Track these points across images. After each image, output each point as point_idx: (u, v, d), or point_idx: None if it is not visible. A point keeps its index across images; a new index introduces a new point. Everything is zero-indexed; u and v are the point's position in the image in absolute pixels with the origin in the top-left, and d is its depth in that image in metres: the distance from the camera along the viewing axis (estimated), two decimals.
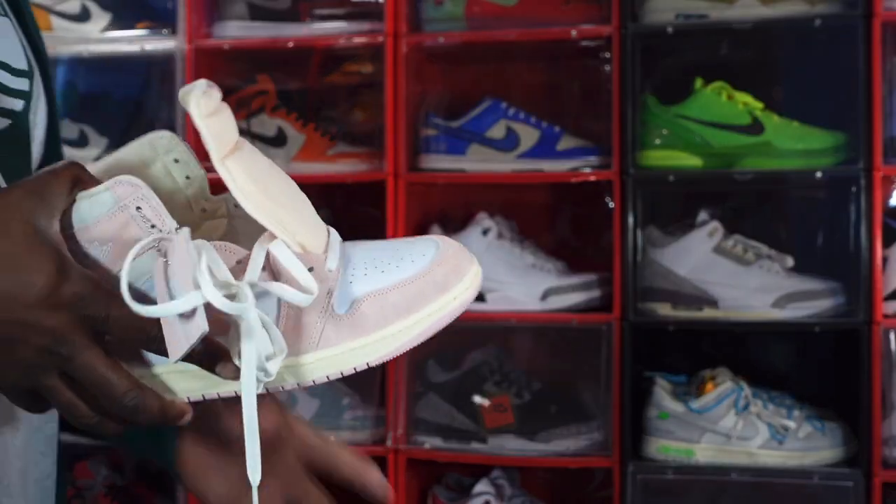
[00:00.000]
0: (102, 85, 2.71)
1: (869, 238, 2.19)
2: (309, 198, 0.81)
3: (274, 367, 0.75)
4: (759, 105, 2.32)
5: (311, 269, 0.77)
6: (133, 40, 2.54)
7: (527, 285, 2.38)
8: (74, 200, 0.76)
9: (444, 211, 2.62)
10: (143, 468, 2.73)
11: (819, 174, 2.26)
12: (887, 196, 2.29)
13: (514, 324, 2.40)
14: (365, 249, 0.81)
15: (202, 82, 0.75)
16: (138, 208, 0.75)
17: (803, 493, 2.20)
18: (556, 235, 2.61)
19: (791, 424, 2.24)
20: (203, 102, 0.74)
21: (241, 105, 2.52)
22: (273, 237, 0.76)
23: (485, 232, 2.42)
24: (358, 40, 2.45)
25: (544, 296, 2.37)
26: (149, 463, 2.73)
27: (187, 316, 0.71)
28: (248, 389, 0.74)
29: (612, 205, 2.32)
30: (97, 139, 2.60)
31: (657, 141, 2.32)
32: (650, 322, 2.31)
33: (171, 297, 0.72)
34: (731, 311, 2.28)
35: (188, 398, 0.78)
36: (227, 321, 0.74)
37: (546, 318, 2.37)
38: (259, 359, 0.74)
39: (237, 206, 0.79)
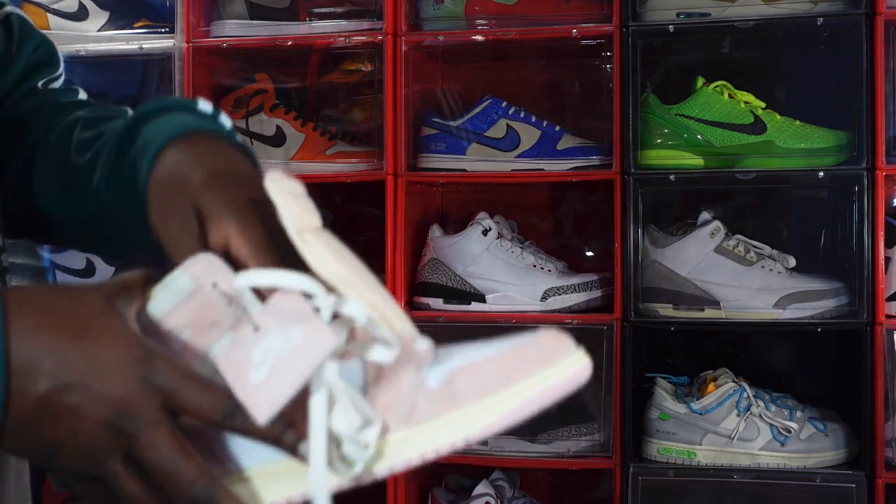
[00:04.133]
0: (100, 84, 2.69)
1: (871, 238, 2.18)
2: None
3: (369, 437, 0.68)
4: (760, 104, 2.31)
5: (399, 347, 0.71)
6: (131, 39, 2.52)
7: (527, 285, 2.37)
8: (148, 298, 0.72)
9: (444, 211, 2.61)
10: None
11: (821, 174, 2.25)
12: (890, 195, 2.29)
13: (514, 324, 2.39)
14: (457, 350, 0.74)
15: (280, 173, 0.72)
16: (214, 284, 0.72)
17: (805, 495, 2.20)
18: (556, 235, 2.60)
19: (793, 426, 2.23)
20: (285, 185, 0.71)
21: (240, 104, 2.51)
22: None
23: (485, 232, 2.41)
24: (357, 39, 2.44)
25: (544, 296, 2.36)
26: None
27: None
28: (317, 468, 0.68)
29: (608, 204, 2.31)
30: None
31: (658, 140, 2.31)
32: (651, 323, 2.30)
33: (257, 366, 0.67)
34: (733, 312, 2.27)
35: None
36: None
37: (546, 318, 2.36)
38: (348, 431, 0.68)
39: None
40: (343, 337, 0.69)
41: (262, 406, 0.67)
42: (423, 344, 0.72)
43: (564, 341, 0.73)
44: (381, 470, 0.70)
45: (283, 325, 0.68)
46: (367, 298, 0.70)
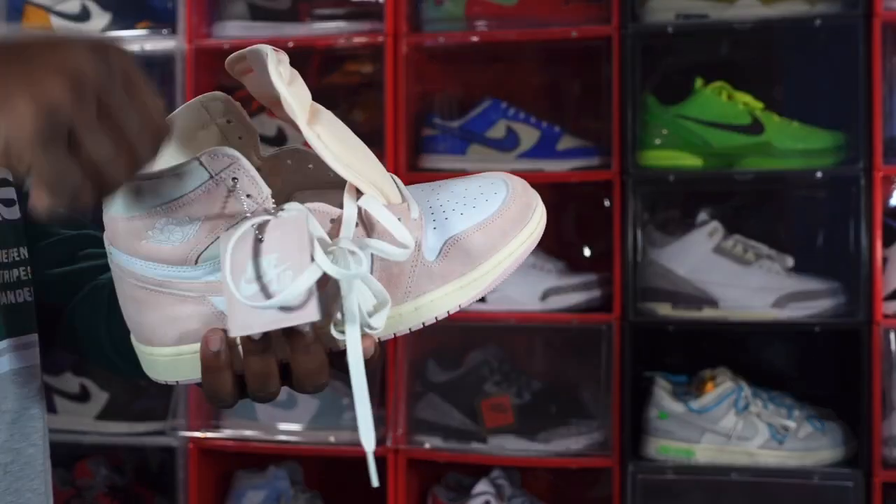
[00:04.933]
0: None
1: (869, 238, 2.19)
2: None
3: (379, 321, 0.75)
4: (759, 105, 2.32)
5: (399, 220, 0.78)
6: (133, 40, 2.53)
7: (527, 285, 2.37)
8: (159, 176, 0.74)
9: None
10: (142, 468, 2.73)
11: (819, 174, 2.26)
12: (887, 196, 2.29)
13: (514, 324, 2.40)
14: (435, 191, 0.82)
15: (267, 48, 0.74)
16: (234, 179, 0.74)
17: (803, 494, 2.20)
18: (556, 235, 2.61)
19: (791, 424, 2.24)
20: (283, 71, 0.74)
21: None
22: (359, 193, 0.77)
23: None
24: (358, 40, 2.45)
25: (544, 296, 2.36)
26: (149, 463, 2.73)
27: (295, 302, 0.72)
28: (353, 347, 0.73)
29: (609, 203, 2.32)
30: None
31: (657, 141, 2.32)
32: (650, 322, 2.31)
33: (258, 277, 0.72)
34: (732, 311, 2.28)
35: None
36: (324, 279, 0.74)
37: (546, 318, 2.37)
38: (362, 315, 0.74)
39: (289, 158, 0.82)
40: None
41: (237, 323, 0.72)
42: (415, 212, 0.79)
43: (530, 194, 0.83)
44: (385, 337, 0.79)
45: (282, 253, 0.72)
46: (365, 174, 0.77)
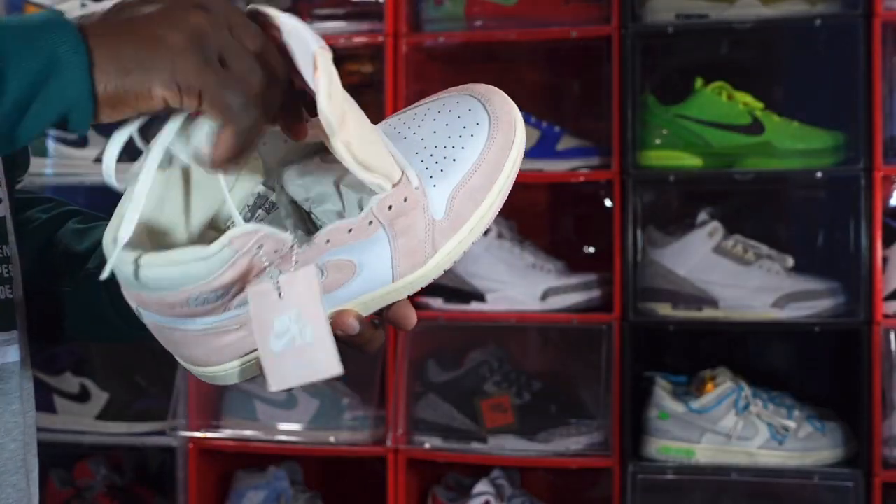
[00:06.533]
0: None
1: (869, 238, 2.19)
2: None
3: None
4: (759, 105, 2.32)
5: (405, 199, 0.80)
6: None
7: (527, 285, 2.38)
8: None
9: None
10: (142, 468, 2.73)
11: (819, 174, 2.26)
12: (887, 196, 2.29)
13: (514, 324, 2.40)
14: (420, 135, 0.85)
15: (316, 41, 0.75)
16: (259, 247, 0.76)
17: (803, 494, 2.20)
18: (555, 235, 2.61)
19: (791, 424, 2.24)
20: (335, 82, 0.76)
21: None
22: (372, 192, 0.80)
23: (485, 232, 2.41)
24: (358, 40, 2.45)
25: (544, 296, 2.37)
26: (149, 463, 2.73)
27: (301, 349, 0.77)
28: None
29: (609, 203, 2.32)
30: (97, 139, 2.60)
31: (657, 141, 2.32)
32: (650, 322, 2.31)
33: (285, 331, 0.77)
34: (732, 311, 2.28)
35: None
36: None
37: (546, 318, 2.37)
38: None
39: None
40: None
41: (275, 377, 0.78)
42: (414, 179, 0.81)
43: (507, 109, 0.86)
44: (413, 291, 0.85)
45: (302, 309, 0.77)
46: (384, 171, 0.79)
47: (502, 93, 0.87)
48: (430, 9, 2.44)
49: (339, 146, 0.76)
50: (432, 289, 2.43)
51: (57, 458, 2.59)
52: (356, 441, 2.42)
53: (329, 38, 2.47)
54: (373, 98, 2.50)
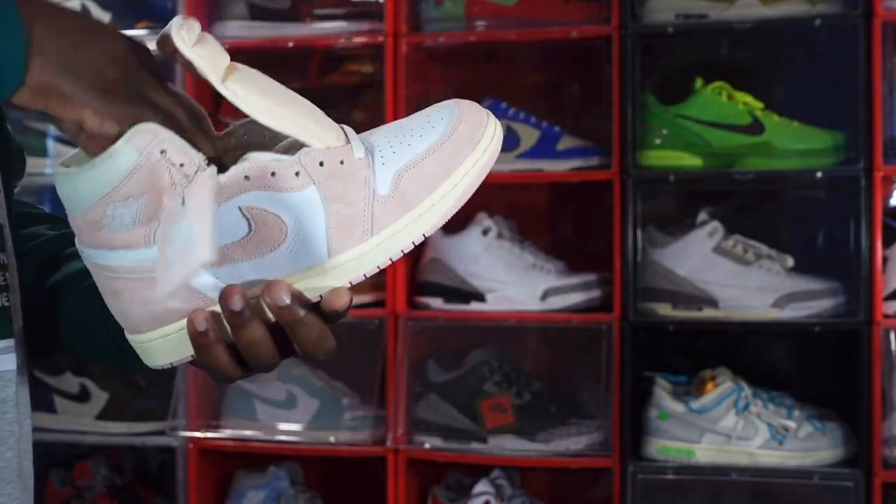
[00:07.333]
0: None
1: (869, 238, 2.19)
2: None
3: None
4: (759, 105, 2.32)
5: (342, 162, 0.79)
6: None
7: (527, 285, 2.38)
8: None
9: None
10: (142, 468, 2.73)
11: (819, 174, 2.26)
12: (887, 196, 2.30)
13: (514, 324, 2.40)
14: (384, 132, 0.84)
15: (177, 17, 0.78)
16: (163, 152, 0.76)
17: (803, 494, 2.21)
18: (556, 235, 2.61)
19: (791, 424, 2.24)
20: (186, 34, 0.77)
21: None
22: (301, 144, 0.78)
23: (485, 232, 2.42)
24: (358, 40, 2.45)
25: (544, 296, 2.37)
26: (149, 463, 2.73)
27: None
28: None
29: (608, 204, 2.32)
30: None
31: (657, 141, 2.32)
32: (650, 322, 2.31)
33: (170, 243, 0.74)
34: (732, 311, 2.28)
35: None
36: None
37: (546, 318, 2.37)
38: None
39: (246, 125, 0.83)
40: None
41: (163, 283, 0.74)
42: (360, 151, 0.80)
43: (481, 112, 0.84)
44: (356, 278, 0.80)
45: (195, 210, 0.74)
46: (298, 123, 0.78)
47: (479, 106, 0.85)
48: (430, 9, 2.44)
49: (221, 87, 0.77)
50: (432, 289, 2.44)
51: (57, 458, 2.59)
52: (356, 441, 2.42)
53: (329, 38, 2.49)
54: (373, 98, 2.50)
